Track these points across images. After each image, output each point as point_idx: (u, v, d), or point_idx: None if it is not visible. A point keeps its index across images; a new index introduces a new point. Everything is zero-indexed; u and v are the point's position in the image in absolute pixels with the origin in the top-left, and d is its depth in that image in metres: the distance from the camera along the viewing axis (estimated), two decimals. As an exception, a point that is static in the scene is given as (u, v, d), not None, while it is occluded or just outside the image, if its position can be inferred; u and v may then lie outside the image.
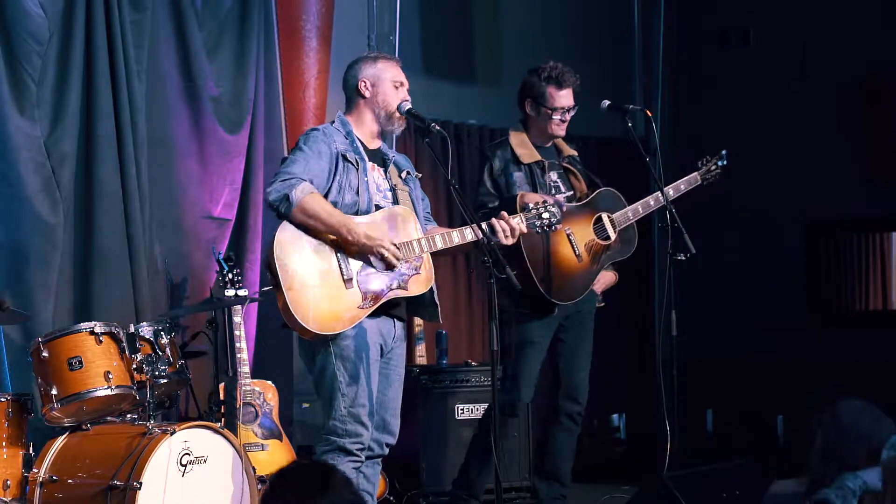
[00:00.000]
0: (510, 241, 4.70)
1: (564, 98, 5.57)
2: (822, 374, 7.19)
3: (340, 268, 4.53)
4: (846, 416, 3.60)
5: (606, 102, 5.59)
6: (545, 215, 4.77)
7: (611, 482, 7.13)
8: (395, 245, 4.55)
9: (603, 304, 5.83)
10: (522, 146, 5.59)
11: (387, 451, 4.73)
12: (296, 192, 4.47)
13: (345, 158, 4.62)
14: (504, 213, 4.71)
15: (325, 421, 4.62)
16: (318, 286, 4.51)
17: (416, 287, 4.67)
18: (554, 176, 5.63)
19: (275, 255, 4.49)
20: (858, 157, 7.62)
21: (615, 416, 8.47)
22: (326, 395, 4.61)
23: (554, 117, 5.57)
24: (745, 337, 7.77)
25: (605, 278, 5.74)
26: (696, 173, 5.75)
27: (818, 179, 7.63)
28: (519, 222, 4.70)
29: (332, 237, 4.54)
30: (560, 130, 5.62)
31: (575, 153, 5.74)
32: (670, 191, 5.59)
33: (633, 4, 8.54)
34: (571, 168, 5.68)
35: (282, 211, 4.52)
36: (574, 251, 5.46)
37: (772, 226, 7.82)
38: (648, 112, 5.80)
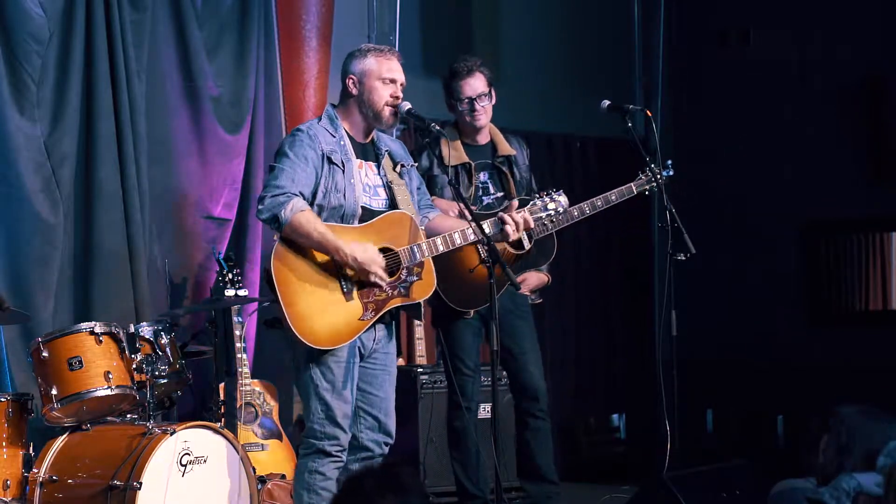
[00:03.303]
0: (517, 236, 4.67)
1: (468, 87, 5.49)
2: (823, 374, 7.20)
3: (341, 280, 4.47)
4: (848, 419, 3.60)
5: (606, 102, 5.55)
6: (551, 206, 4.69)
7: (611, 482, 7.13)
8: (383, 269, 4.45)
9: (539, 301, 5.81)
10: (451, 147, 5.47)
11: (386, 450, 4.70)
12: (285, 212, 4.41)
13: (330, 161, 4.53)
14: (512, 213, 4.62)
15: (305, 423, 4.62)
16: (318, 301, 4.44)
17: (419, 293, 4.62)
18: (483, 176, 5.56)
19: (274, 268, 4.43)
20: (858, 157, 7.62)
21: (615, 416, 8.46)
22: (304, 397, 4.61)
23: (461, 108, 5.51)
24: (745, 337, 7.77)
25: (534, 279, 5.72)
26: (631, 184, 5.51)
27: (818, 179, 7.63)
28: (526, 216, 4.63)
29: None
30: (476, 121, 5.52)
31: (514, 153, 5.64)
32: (598, 202, 5.45)
33: (633, 4, 8.53)
34: (503, 168, 5.61)
35: (272, 229, 4.51)
36: (480, 258, 5.10)
37: (772, 225, 7.82)
38: (648, 112, 5.78)
